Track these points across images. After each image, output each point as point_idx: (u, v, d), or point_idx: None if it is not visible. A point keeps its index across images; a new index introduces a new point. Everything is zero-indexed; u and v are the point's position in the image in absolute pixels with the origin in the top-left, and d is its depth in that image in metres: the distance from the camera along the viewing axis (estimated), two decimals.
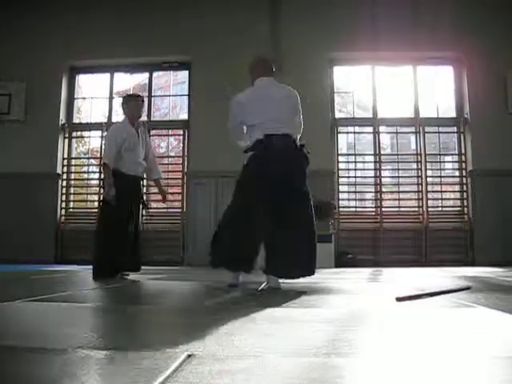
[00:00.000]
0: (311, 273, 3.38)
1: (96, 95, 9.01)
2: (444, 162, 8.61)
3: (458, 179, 8.23)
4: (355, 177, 8.43)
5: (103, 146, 5.36)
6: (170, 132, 9.08)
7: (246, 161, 3.50)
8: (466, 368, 1.15)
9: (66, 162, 8.54)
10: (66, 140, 8.62)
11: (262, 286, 3.40)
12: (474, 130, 7.80)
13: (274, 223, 3.29)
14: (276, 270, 3.31)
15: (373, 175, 8.27)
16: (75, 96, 8.89)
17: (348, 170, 8.39)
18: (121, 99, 4.73)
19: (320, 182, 7.56)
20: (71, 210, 8.65)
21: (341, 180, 8.17)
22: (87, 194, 9.05)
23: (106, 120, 8.75)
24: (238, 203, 3.46)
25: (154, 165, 4.68)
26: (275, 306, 2.34)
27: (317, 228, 3.41)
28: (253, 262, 3.38)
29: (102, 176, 4.49)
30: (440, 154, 8.51)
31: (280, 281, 3.34)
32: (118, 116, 9.12)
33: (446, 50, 8.07)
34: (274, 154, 3.37)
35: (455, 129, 8.24)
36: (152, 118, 8.74)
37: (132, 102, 4.50)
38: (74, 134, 8.87)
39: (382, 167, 8.30)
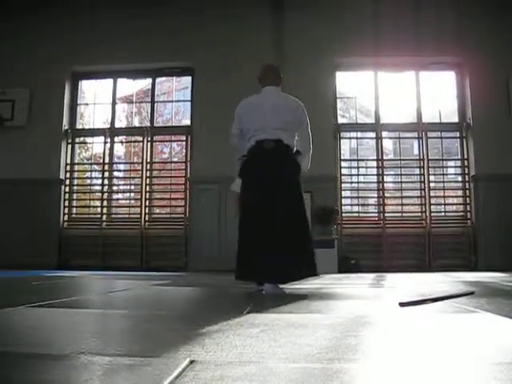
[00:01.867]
0: (298, 277, 3.37)
1: (99, 101, 9.03)
2: (447, 167, 8.57)
3: (460, 184, 8.22)
4: (358, 182, 8.41)
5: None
6: (173, 137, 9.08)
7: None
8: (467, 374, 1.15)
9: (68, 167, 8.55)
10: (69, 146, 8.64)
11: (263, 291, 3.39)
12: (476, 135, 7.79)
13: (266, 227, 3.30)
14: (268, 276, 3.30)
15: (375, 180, 8.25)
16: (78, 102, 8.91)
17: (351, 175, 8.38)
18: None
19: (323, 188, 7.58)
20: (74, 215, 8.66)
21: (343, 185, 8.15)
22: (90, 199, 9.06)
23: (108, 126, 8.78)
24: (242, 213, 3.52)
25: None
26: (278, 312, 2.34)
27: (312, 232, 3.40)
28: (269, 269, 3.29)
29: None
30: (443, 159, 8.48)
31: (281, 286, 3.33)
32: (121, 122, 9.17)
33: (448, 56, 8.09)
34: (263, 156, 3.44)
35: (458, 134, 8.23)
36: (155, 124, 8.75)
37: None
38: (77, 139, 8.89)
39: (385, 172, 8.29)
